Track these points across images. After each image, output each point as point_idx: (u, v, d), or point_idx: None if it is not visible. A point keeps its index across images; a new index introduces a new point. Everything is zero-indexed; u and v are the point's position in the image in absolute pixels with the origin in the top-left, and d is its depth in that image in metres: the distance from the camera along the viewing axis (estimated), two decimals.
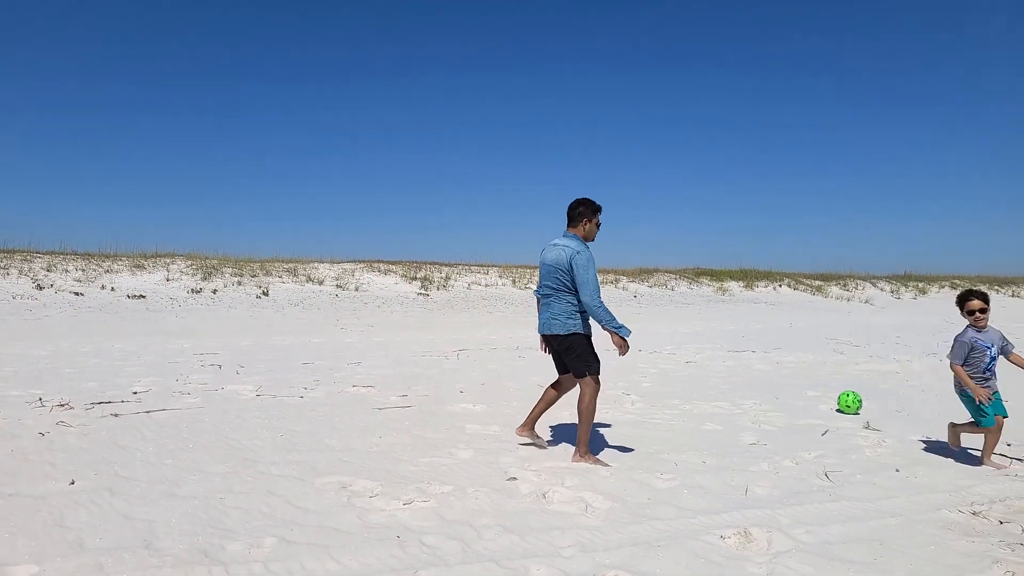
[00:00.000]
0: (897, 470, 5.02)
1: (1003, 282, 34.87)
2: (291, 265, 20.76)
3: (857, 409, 7.03)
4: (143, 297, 16.18)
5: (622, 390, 8.04)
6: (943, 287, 32.81)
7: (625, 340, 4.91)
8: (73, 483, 4.11)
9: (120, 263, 18.27)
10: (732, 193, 66.66)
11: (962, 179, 67.10)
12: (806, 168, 68.90)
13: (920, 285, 32.20)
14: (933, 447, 5.72)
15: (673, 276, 27.09)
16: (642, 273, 26.84)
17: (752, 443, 5.70)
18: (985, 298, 5.10)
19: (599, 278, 23.46)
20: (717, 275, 28.05)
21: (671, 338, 14.63)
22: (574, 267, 4.85)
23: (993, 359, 5.05)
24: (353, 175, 64.40)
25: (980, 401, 4.97)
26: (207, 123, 60.83)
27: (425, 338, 13.36)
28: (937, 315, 23.83)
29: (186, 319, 14.69)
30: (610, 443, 5.62)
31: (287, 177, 61.97)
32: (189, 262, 19.37)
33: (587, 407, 4.96)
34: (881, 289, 30.75)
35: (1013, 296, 32.41)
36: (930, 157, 67.91)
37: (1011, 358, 5.12)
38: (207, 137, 60.41)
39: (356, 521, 3.67)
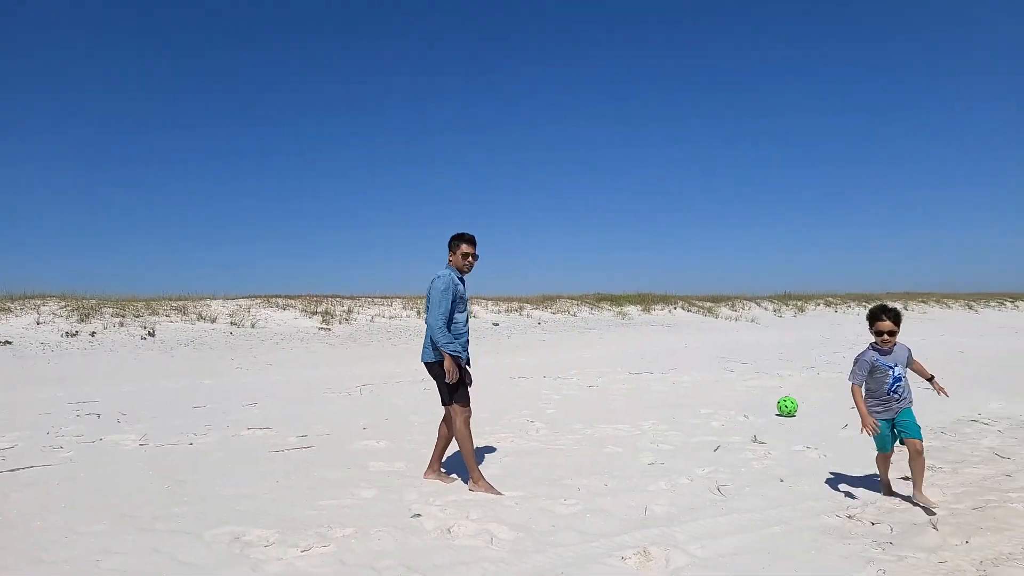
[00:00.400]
0: (782, 480, 5.30)
1: (869, 298, 37.84)
2: (180, 303, 19.66)
3: (794, 411, 8.17)
4: (9, 343, 14.88)
5: (526, 418, 8.09)
6: (819, 304, 35.18)
7: (455, 362, 4.98)
8: None
9: None
10: (631, 219, 69.07)
11: (832, 202, 72.61)
12: (692, 195, 72.58)
13: (799, 303, 34.38)
14: (813, 456, 6.08)
15: (575, 302, 27.65)
16: (545, 300, 27.25)
17: (650, 463, 5.87)
18: (897, 319, 4.62)
19: (496, 305, 23.28)
20: (617, 300, 28.86)
21: (574, 363, 14.89)
22: (431, 291, 5.01)
23: (897, 380, 4.62)
24: (248, 208, 62.05)
25: (864, 430, 4.62)
26: (77, 151, 56.82)
27: (327, 374, 12.98)
28: (815, 331, 25.47)
29: (60, 365, 13.60)
30: (516, 472, 5.63)
31: (174, 211, 58.91)
32: (63, 303, 17.99)
33: (458, 434, 5.08)
34: (765, 308, 32.58)
35: None
36: (803, 181, 73.14)
37: (913, 367, 4.79)
38: (78, 167, 56.41)
39: (250, 573, 3.49)
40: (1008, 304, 41.86)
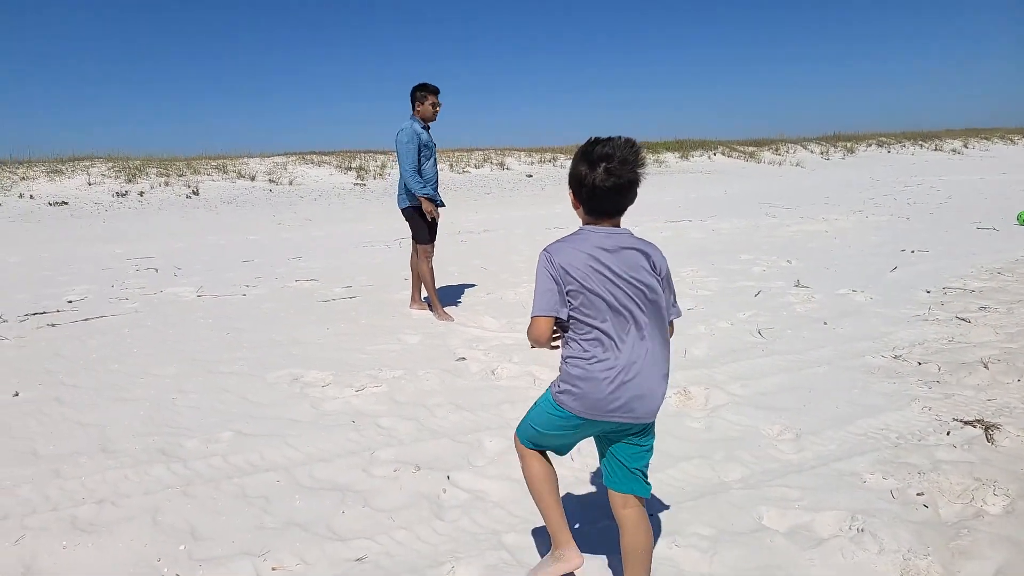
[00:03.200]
0: (825, 323, 5.34)
1: (926, 137, 35.97)
2: (219, 162, 19.82)
3: None
4: (65, 203, 15.32)
5: None
6: (870, 145, 33.65)
7: (432, 202, 5.59)
8: (17, 395, 4.05)
9: (36, 169, 17.09)
10: (665, 64, 65.50)
11: (886, 39, 67.33)
12: (733, 36, 67.93)
13: (849, 145, 32.93)
14: (859, 299, 6.06)
15: None
16: None
17: (690, 308, 5.94)
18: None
19: (529, 156, 22.89)
20: (653, 147, 28.02)
21: None
22: (397, 144, 5.50)
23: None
24: (277, 65, 60.43)
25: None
26: (115, 17, 55.31)
27: (365, 228, 13.17)
28: (865, 173, 24.58)
29: (114, 224, 14.05)
30: None
31: (205, 73, 57.73)
32: (110, 164, 18.28)
33: (421, 270, 5.80)
34: (811, 151, 31.36)
35: (936, 150, 33.55)
36: (852, 19, 67.55)
37: None
38: (117, 33, 55.08)
39: (311, 410, 3.75)
40: None
